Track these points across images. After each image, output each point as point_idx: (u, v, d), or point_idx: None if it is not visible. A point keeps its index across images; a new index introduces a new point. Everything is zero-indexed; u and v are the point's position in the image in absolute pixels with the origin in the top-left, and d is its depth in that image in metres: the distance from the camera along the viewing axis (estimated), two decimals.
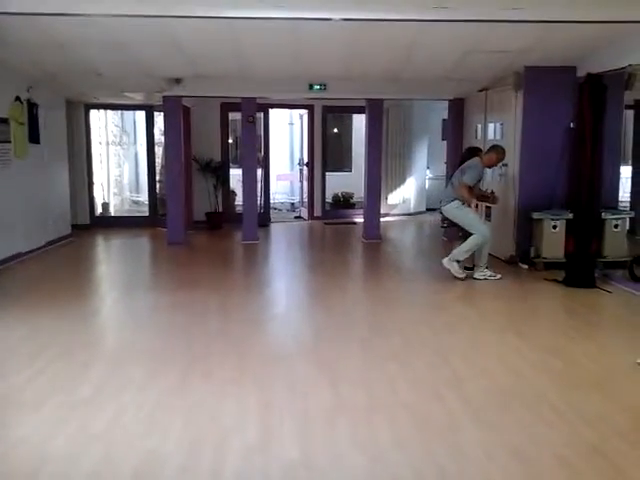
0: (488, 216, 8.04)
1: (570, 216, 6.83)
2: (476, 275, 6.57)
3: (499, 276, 6.57)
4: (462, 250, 6.48)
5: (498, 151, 6.67)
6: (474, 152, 6.76)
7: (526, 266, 7.10)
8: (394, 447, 2.90)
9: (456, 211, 6.50)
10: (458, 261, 6.50)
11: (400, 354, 4.19)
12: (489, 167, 6.88)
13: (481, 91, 8.29)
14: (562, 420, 3.18)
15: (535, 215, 7.02)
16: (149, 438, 3.01)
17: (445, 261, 6.52)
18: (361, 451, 2.86)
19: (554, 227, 6.87)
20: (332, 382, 3.67)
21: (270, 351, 4.33)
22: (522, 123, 7.18)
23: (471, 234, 6.46)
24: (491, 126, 8.11)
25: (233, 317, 5.20)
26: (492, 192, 7.06)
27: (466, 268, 6.69)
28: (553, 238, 6.88)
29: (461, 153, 7.44)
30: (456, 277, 6.44)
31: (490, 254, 7.77)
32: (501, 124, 7.77)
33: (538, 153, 7.17)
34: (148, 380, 3.75)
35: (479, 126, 8.45)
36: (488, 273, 6.57)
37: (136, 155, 12.91)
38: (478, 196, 6.86)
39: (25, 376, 3.79)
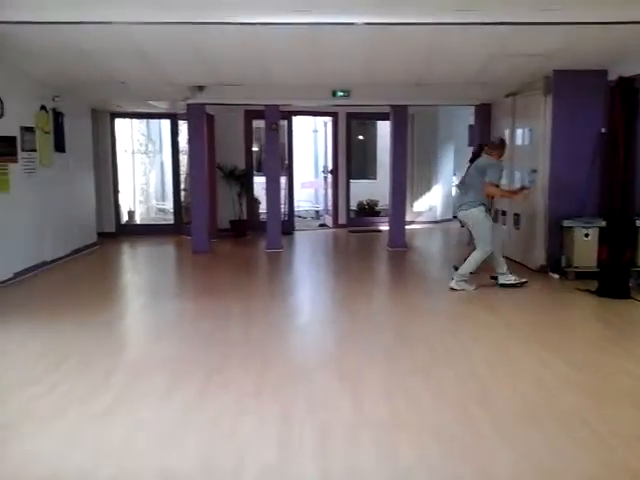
0: (517, 224, 7.84)
1: (603, 224, 6.61)
2: (502, 281, 6.39)
3: (525, 280, 6.40)
4: (467, 269, 6.27)
5: (505, 145, 6.53)
6: (482, 148, 6.60)
7: (557, 276, 6.88)
8: (417, 466, 2.77)
9: (479, 217, 6.22)
10: (465, 281, 6.27)
11: (425, 366, 4.05)
12: None
13: (508, 96, 8.11)
14: (597, 439, 3.01)
15: (566, 223, 6.81)
16: (165, 455, 2.92)
17: (453, 284, 6.28)
18: (383, 471, 2.73)
19: (586, 235, 6.65)
20: (354, 395, 3.55)
21: (292, 361, 4.23)
22: (552, 128, 6.99)
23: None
24: (519, 131, 7.92)
25: (255, 325, 5.12)
26: (522, 187, 6.84)
27: (492, 278, 6.55)
28: (585, 247, 6.66)
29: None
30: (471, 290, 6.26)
31: (519, 263, 7.62)
32: (530, 129, 7.58)
33: (568, 159, 6.96)
34: (167, 392, 3.68)
35: (507, 132, 8.25)
36: (513, 278, 6.39)
37: (162, 163, 12.98)
38: (505, 193, 6.73)
39: (44, 387, 3.74)
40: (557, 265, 6.95)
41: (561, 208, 6.96)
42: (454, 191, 12.60)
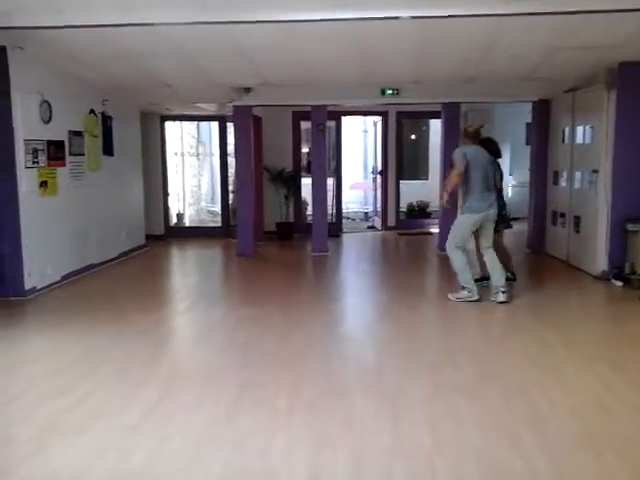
0: (577, 226, 7.37)
1: None
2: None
3: (477, 297, 5.82)
4: (460, 276, 5.85)
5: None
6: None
7: (620, 283, 6.39)
8: None
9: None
10: (463, 287, 5.82)
11: (471, 386, 3.75)
12: None
13: (568, 91, 7.64)
14: None
15: (630, 227, 6.34)
16: (190, 476, 2.76)
17: (450, 296, 5.87)
18: None
19: None
20: (393, 418, 3.30)
21: (328, 378, 3.99)
22: (615, 126, 6.51)
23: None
24: (580, 129, 7.44)
25: (294, 337, 4.92)
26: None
27: (483, 279, 6.18)
28: None
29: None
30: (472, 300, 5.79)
31: (578, 269, 7.15)
32: (591, 127, 7.10)
33: (634, 158, 6.48)
34: (198, 406, 3.53)
35: (566, 129, 7.79)
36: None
37: (212, 165, 13.01)
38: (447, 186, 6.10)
39: (75, 397, 3.66)
40: (620, 272, 6.46)
41: (625, 211, 6.49)
42: (510, 192, 12.11)
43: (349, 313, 6.01)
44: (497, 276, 5.78)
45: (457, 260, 5.85)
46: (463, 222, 5.90)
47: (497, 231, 6.15)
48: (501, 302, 5.69)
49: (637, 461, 2.80)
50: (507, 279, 6.05)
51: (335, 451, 2.95)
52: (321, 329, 5.17)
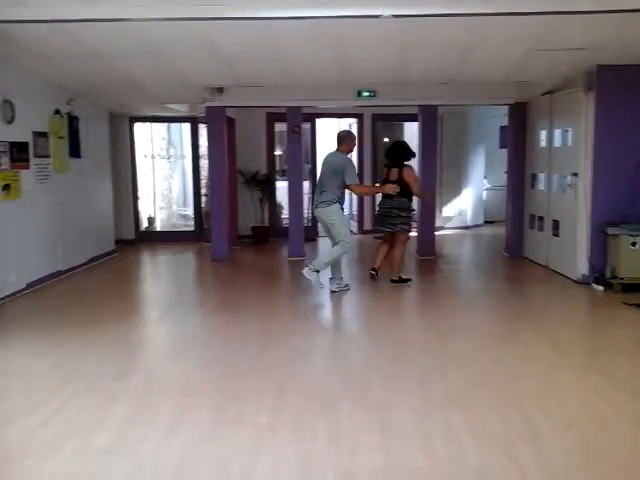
0: (556, 230, 7.32)
1: None
2: (334, 288, 6.39)
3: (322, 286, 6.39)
4: (324, 261, 6.28)
5: (352, 137, 6.62)
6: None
7: (601, 288, 6.35)
8: None
9: (337, 214, 6.30)
10: (318, 271, 6.20)
11: (463, 398, 3.59)
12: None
13: (546, 94, 7.61)
14: None
15: (611, 230, 6.29)
16: None
17: (306, 272, 6.19)
18: None
19: (633, 244, 6.12)
20: (383, 434, 3.13)
21: (313, 390, 3.79)
22: (594, 128, 6.47)
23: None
24: (557, 132, 7.41)
25: (274, 345, 4.72)
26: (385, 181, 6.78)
27: (401, 280, 6.59)
28: (632, 256, 6.13)
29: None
30: (317, 287, 6.34)
31: (558, 273, 7.11)
32: (569, 130, 7.06)
33: (613, 161, 6.44)
34: (175, 423, 3.30)
35: (543, 132, 7.75)
36: (343, 284, 6.50)
37: (184, 168, 12.69)
38: (375, 189, 6.81)
39: (42, 415, 3.41)
40: (601, 276, 6.43)
41: (605, 214, 6.45)
42: (485, 195, 12.10)
43: (331, 320, 5.84)
44: (318, 262, 6.27)
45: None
46: None
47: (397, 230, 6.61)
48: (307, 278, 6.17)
49: (636, 476, 2.68)
50: (371, 276, 6.71)
51: (323, 472, 2.77)
52: (302, 337, 4.97)
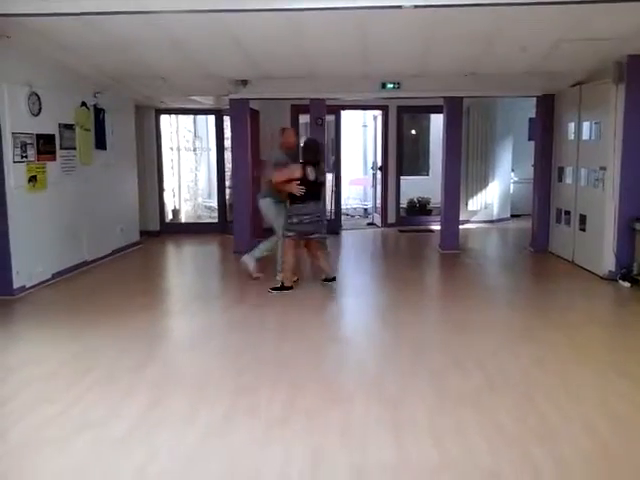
0: (583, 225, 7.17)
1: None
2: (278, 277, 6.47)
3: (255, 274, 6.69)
4: (263, 249, 6.72)
5: (289, 134, 6.68)
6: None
7: (628, 284, 6.20)
8: None
9: (268, 207, 6.53)
10: (258, 259, 6.65)
11: (478, 395, 3.55)
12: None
13: (574, 86, 7.43)
14: None
15: (638, 226, 6.14)
16: None
17: (245, 257, 6.71)
18: None
19: None
20: (396, 429, 3.11)
21: (327, 384, 3.79)
22: (624, 121, 6.30)
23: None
24: (586, 125, 7.23)
25: (290, 339, 4.72)
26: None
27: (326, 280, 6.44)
28: None
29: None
30: (251, 276, 6.66)
31: (584, 269, 6.97)
32: (598, 122, 6.89)
33: None
34: (189, 415, 3.34)
35: (572, 125, 7.58)
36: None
37: (209, 160, 12.77)
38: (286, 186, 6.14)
39: (60, 405, 3.47)
40: (628, 273, 6.27)
41: (633, 209, 6.29)
42: (512, 188, 11.91)
43: (349, 314, 5.81)
44: (259, 250, 6.77)
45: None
46: None
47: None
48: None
49: None
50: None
51: (334, 466, 2.76)
52: (319, 331, 4.97)
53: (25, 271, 6.11)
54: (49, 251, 6.60)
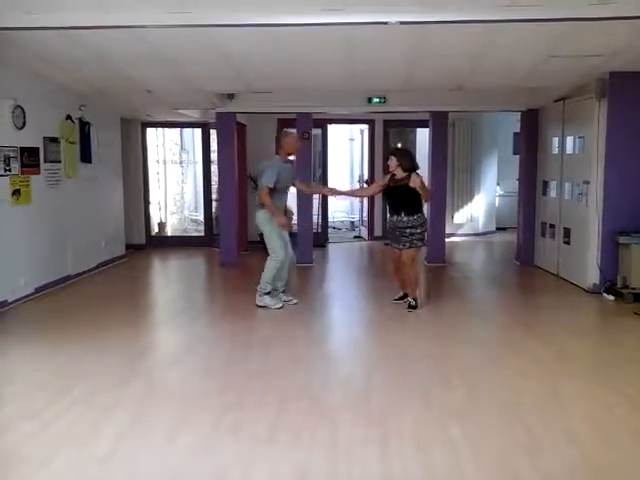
0: (567, 238, 7.22)
1: None
2: (284, 299, 6.10)
3: (281, 305, 6.01)
4: (264, 280, 5.94)
5: (289, 138, 6.06)
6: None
7: (612, 297, 6.24)
8: None
9: (263, 221, 5.92)
10: (268, 293, 5.95)
11: (464, 409, 3.54)
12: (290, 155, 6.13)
13: (558, 101, 7.53)
14: None
15: (622, 239, 6.20)
16: None
17: (257, 299, 5.98)
18: None
19: None
20: (382, 445, 3.08)
21: (312, 399, 3.76)
22: (606, 136, 6.38)
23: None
24: (570, 139, 7.32)
25: (276, 354, 4.69)
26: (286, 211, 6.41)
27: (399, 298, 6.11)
28: None
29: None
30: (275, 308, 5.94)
31: (569, 281, 7.01)
32: (582, 137, 6.97)
33: (626, 170, 6.36)
34: (173, 433, 3.28)
35: (556, 139, 7.66)
36: (284, 298, 6.13)
37: (195, 173, 12.74)
38: (271, 208, 5.81)
39: (40, 422, 3.40)
40: (612, 286, 6.32)
41: (617, 223, 6.35)
42: (497, 202, 12.00)
43: (336, 328, 5.79)
44: (261, 283, 6.00)
45: None
46: None
47: None
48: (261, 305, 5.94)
49: None
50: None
51: None
52: (305, 345, 4.94)
53: (7, 285, 6.02)
54: (32, 265, 6.52)
